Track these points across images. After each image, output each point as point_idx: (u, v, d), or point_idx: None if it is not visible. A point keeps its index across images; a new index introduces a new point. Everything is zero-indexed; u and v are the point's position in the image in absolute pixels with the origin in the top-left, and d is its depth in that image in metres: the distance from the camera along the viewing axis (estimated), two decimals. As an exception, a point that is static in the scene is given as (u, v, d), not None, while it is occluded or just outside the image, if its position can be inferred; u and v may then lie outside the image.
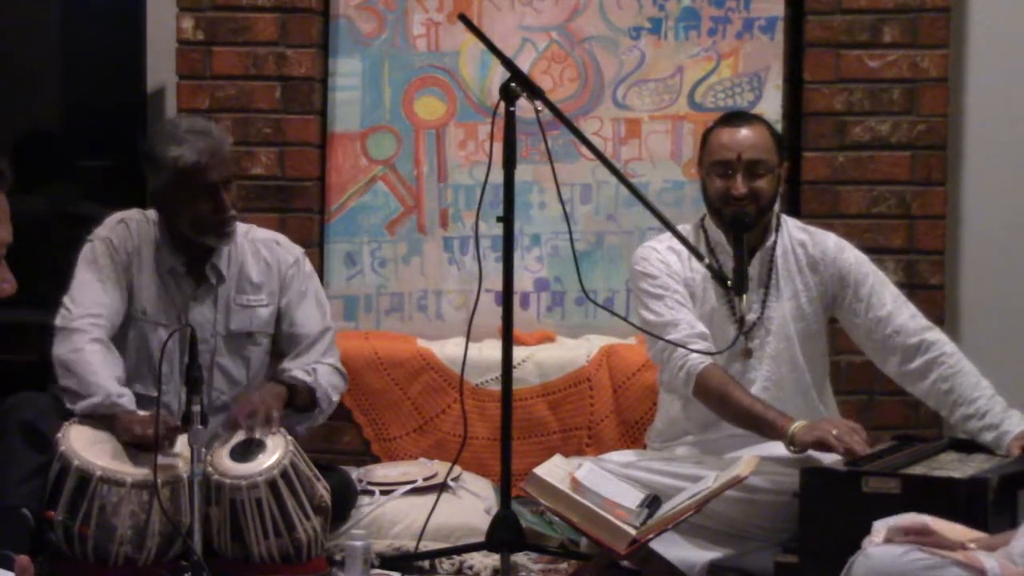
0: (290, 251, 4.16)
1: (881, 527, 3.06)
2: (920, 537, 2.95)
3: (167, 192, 3.95)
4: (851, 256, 4.03)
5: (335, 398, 4.11)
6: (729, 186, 3.90)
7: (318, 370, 4.04)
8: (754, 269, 3.98)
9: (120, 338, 4.00)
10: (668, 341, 3.86)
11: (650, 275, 3.97)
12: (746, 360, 3.97)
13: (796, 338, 4.00)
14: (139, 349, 4.01)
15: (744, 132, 3.93)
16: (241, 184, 4.75)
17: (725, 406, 3.83)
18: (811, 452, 3.69)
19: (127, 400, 3.79)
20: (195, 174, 3.89)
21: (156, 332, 3.99)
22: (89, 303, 3.92)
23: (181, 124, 3.97)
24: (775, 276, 4.00)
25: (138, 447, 3.71)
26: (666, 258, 4.00)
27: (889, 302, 3.97)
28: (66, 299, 3.93)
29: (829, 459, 3.67)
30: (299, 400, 4.01)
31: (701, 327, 3.90)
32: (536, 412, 4.61)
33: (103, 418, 3.77)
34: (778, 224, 4.04)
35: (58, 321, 3.90)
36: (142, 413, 3.76)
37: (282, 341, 4.11)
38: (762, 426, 3.78)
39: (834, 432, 3.64)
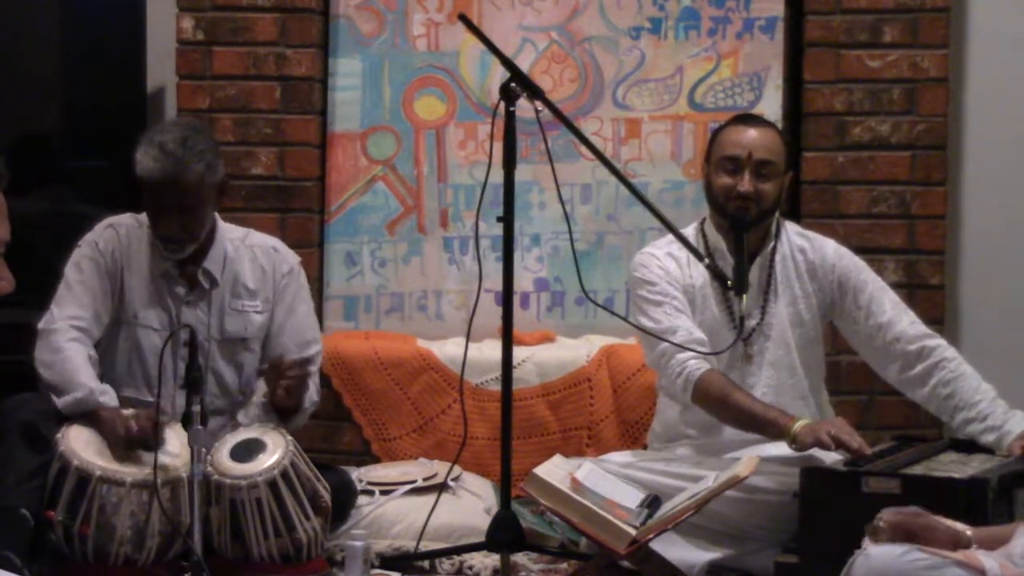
0: (286, 259, 4.14)
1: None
2: (913, 518, 2.96)
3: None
4: (850, 263, 4.03)
5: (309, 412, 4.11)
6: (736, 182, 3.90)
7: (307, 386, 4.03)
8: (754, 274, 3.98)
9: (111, 341, 4.01)
10: (667, 344, 3.86)
11: (649, 282, 3.97)
12: (746, 366, 3.97)
13: (794, 344, 4.00)
14: (131, 352, 4.01)
15: (757, 132, 3.96)
16: (241, 184, 4.76)
17: (725, 409, 3.83)
18: (814, 451, 3.70)
19: (109, 397, 3.80)
20: (146, 185, 3.90)
21: (148, 336, 3.99)
22: (71, 307, 3.93)
23: (164, 132, 3.92)
24: (774, 282, 4.00)
25: (130, 444, 3.71)
26: (665, 264, 4.00)
27: (889, 309, 3.97)
28: (52, 304, 3.95)
29: (831, 458, 3.68)
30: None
31: (699, 333, 3.90)
32: (536, 412, 4.61)
33: (87, 416, 3.76)
34: (778, 229, 4.04)
35: (40, 324, 3.92)
36: (127, 412, 3.76)
37: (267, 347, 4.09)
38: (764, 426, 3.78)
39: (832, 432, 3.65)
